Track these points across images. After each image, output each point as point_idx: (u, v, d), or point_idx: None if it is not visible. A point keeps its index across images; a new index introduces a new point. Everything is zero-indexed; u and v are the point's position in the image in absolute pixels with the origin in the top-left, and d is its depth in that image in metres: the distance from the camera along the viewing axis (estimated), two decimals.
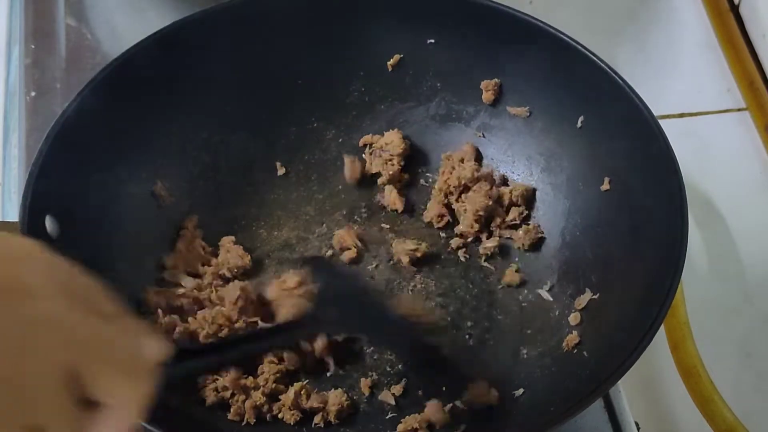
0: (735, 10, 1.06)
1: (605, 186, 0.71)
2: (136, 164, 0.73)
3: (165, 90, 0.74)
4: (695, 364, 0.78)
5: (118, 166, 0.72)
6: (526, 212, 0.76)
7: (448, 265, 0.76)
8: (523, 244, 0.75)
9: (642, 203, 0.68)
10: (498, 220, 0.76)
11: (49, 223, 0.64)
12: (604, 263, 0.70)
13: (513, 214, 0.76)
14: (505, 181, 0.78)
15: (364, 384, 0.68)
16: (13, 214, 0.81)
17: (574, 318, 0.69)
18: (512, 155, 0.78)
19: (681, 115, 0.98)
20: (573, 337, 0.67)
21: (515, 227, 0.76)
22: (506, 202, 0.76)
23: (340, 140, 0.81)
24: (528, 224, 0.76)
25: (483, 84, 0.78)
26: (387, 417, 0.67)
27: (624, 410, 0.71)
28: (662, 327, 0.73)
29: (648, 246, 0.65)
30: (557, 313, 0.71)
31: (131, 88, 0.72)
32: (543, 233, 0.75)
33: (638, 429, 0.72)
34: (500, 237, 0.76)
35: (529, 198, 0.77)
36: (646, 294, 0.62)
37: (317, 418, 0.66)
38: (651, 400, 0.80)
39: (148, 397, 0.39)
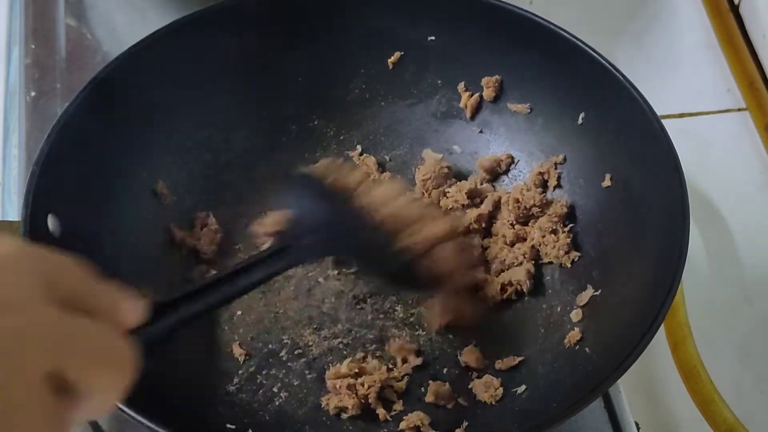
0: (735, 10, 1.05)
1: (606, 183, 0.72)
2: (138, 163, 0.73)
3: (166, 88, 0.74)
4: (695, 365, 0.78)
5: (120, 165, 0.72)
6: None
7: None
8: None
9: (643, 200, 0.68)
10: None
11: (51, 222, 0.64)
12: (605, 260, 0.70)
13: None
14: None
15: None
16: (13, 214, 0.81)
17: (576, 314, 0.69)
18: (513, 152, 0.78)
19: (681, 115, 0.98)
20: (575, 334, 0.67)
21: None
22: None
23: (341, 138, 0.81)
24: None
25: (484, 81, 0.78)
26: (390, 413, 0.67)
27: (624, 410, 0.71)
28: (662, 327, 0.74)
29: (649, 243, 0.65)
30: (559, 309, 0.71)
31: (133, 86, 0.72)
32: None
33: (638, 429, 0.72)
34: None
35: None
36: (647, 291, 0.62)
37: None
38: (651, 400, 0.80)
39: (127, 382, 0.40)
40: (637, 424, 0.71)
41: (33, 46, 0.92)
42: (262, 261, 0.60)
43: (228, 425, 0.64)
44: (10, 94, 0.91)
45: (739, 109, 0.99)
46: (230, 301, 0.61)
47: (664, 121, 0.68)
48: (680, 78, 1.02)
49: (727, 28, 1.05)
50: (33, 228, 0.62)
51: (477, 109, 0.79)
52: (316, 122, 0.81)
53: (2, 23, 0.97)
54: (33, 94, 0.89)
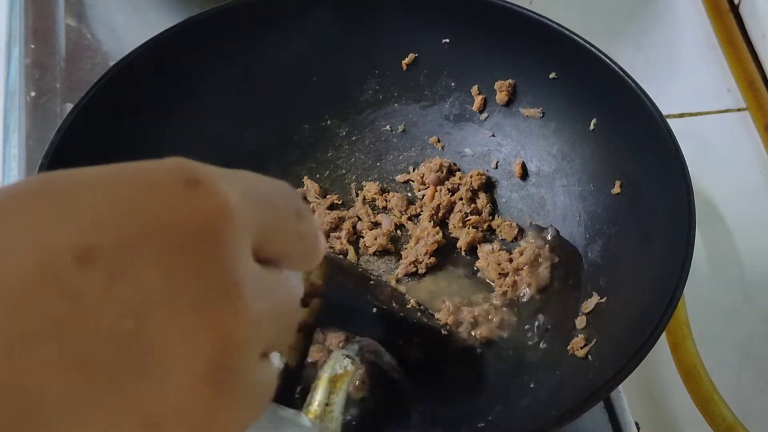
0: (735, 10, 1.06)
1: (616, 189, 0.71)
2: (148, 158, 0.72)
3: (179, 84, 0.74)
4: (695, 364, 0.78)
5: (130, 159, 0.71)
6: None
7: (457, 265, 0.76)
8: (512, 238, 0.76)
9: (651, 207, 0.67)
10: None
11: None
12: (612, 267, 0.70)
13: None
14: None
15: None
16: None
17: (580, 321, 0.69)
18: (524, 157, 0.78)
19: (681, 115, 0.98)
20: (578, 341, 0.67)
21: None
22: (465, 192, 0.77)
23: (353, 138, 0.81)
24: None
25: (497, 84, 0.78)
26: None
27: (624, 410, 0.71)
28: None
29: (656, 251, 0.65)
30: (563, 315, 0.70)
31: (145, 82, 0.72)
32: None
33: (638, 429, 0.72)
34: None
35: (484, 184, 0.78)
36: (651, 299, 0.62)
37: None
38: (651, 400, 0.80)
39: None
40: (637, 424, 0.71)
41: (33, 46, 0.92)
42: None
43: None
44: (10, 94, 0.90)
45: (739, 109, 0.99)
46: None
47: None
48: (680, 78, 1.02)
49: (727, 28, 1.05)
50: None
51: (484, 106, 0.79)
52: (328, 122, 0.81)
53: (2, 23, 0.97)
54: (33, 94, 0.89)
